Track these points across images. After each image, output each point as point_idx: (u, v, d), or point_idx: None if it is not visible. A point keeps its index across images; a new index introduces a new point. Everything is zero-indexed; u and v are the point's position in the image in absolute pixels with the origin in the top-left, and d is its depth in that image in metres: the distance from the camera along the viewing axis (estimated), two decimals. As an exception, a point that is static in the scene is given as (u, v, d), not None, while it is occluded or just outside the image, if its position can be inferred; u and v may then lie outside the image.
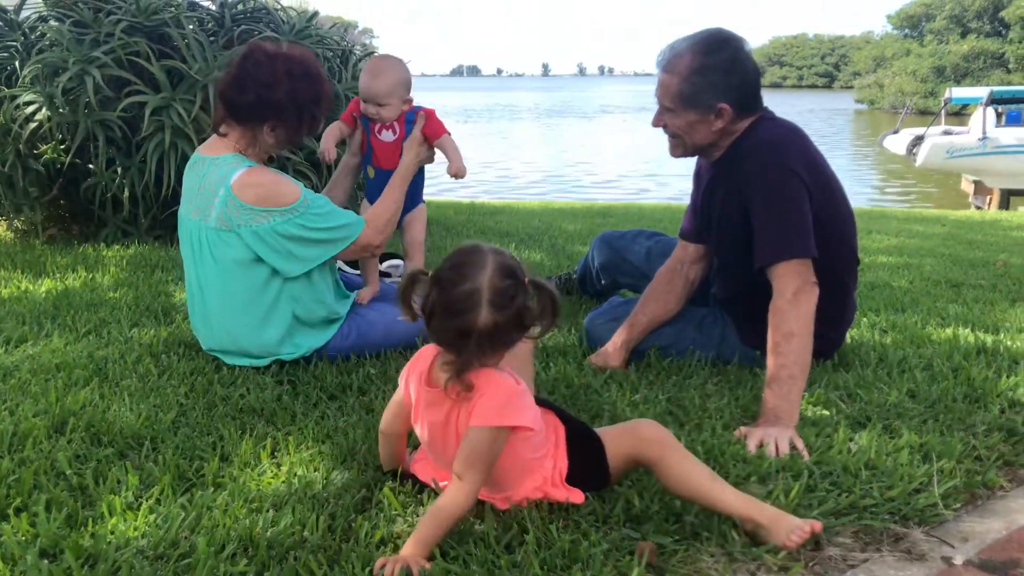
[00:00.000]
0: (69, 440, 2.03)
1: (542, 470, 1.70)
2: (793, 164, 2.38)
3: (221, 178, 2.50)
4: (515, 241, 5.38)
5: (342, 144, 2.89)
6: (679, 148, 2.55)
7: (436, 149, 2.83)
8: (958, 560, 1.63)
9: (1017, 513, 1.83)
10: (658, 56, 2.54)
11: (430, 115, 2.82)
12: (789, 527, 1.60)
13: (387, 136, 2.80)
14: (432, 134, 2.80)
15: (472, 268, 1.54)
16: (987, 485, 1.94)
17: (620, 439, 1.73)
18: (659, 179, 18.43)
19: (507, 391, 1.57)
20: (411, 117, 2.79)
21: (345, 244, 2.61)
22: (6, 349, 2.78)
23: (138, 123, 4.62)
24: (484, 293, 1.52)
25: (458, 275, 1.53)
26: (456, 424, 1.61)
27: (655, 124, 2.55)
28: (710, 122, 2.44)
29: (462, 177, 2.78)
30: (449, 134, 2.83)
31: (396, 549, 1.56)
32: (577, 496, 1.71)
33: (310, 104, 2.57)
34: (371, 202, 2.84)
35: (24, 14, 5.26)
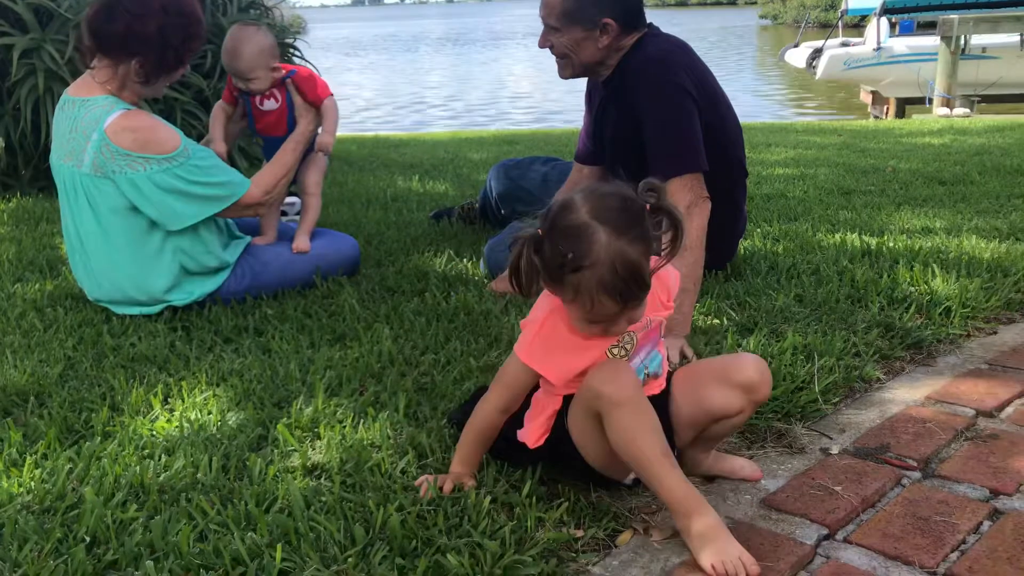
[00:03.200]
0: (-52, 402, 1.96)
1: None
2: (681, 79, 2.39)
3: (94, 121, 2.39)
4: (419, 173, 5.33)
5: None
6: (567, 69, 2.54)
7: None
8: (835, 450, 1.72)
9: (891, 404, 1.93)
10: None
11: (307, 79, 2.75)
12: (722, 553, 1.31)
13: (270, 105, 2.76)
14: (316, 99, 2.76)
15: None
16: (864, 379, 2.04)
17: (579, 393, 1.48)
18: (560, 103, 18.35)
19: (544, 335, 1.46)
20: (289, 79, 2.72)
21: (228, 203, 2.52)
22: None
23: (7, 67, 4.37)
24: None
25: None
26: None
27: (541, 45, 2.53)
28: (595, 38, 2.43)
29: (327, 152, 2.81)
30: (332, 96, 2.81)
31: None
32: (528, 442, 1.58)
33: (179, 42, 2.46)
34: None
35: None
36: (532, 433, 1.55)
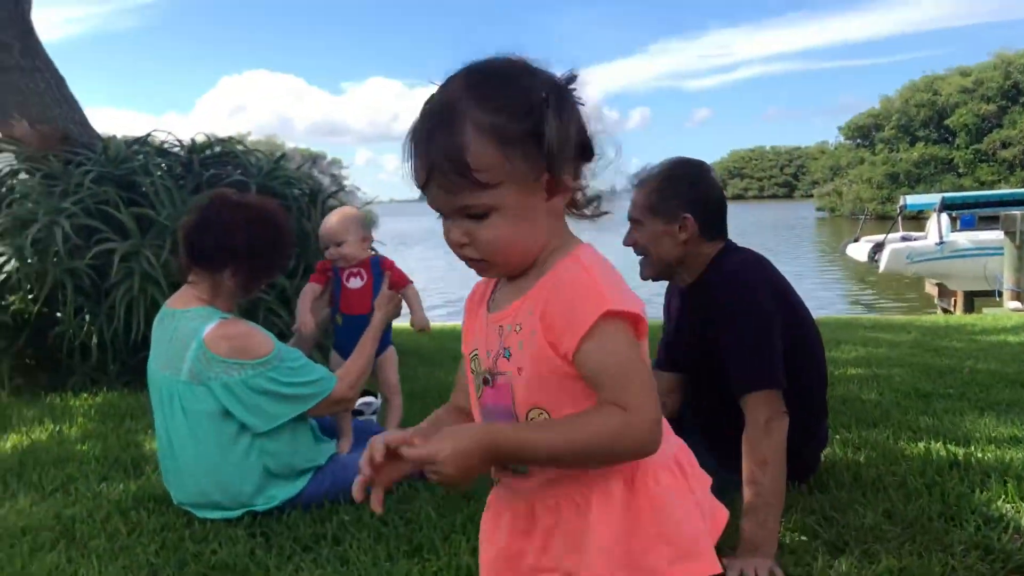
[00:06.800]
0: (33, 611, 1.97)
1: None
2: (760, 295, 2.45)
3: (193, 331, 2.52)
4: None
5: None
6: (648, 268, 2.62)
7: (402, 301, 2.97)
8: None
9: (1001, 638, 1.81)
10: (632, 176, 2.65)
11: (392, 266, 2.95)
12: None
13: (355, 283, 2.90)
14: (397, 284, 2.93)
15: None
16: (969, 609, 1.93)
17: None
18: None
19: None
20: (377, 266, 2.90)
21: (316, 400, 2.61)
22: (-30, 513, 2.71)
23: (107, 270, 4.66)
24: None
25: None
26: None
27: (625, 243, 2.63)
28: (674, 233, 2.51)
29: (426, 330, 2.95)
30: (412, 283, 2.98)
31: None
32: None
33: (268, 252, 2.63)
34: (339, 351, 2.89)
35: (-5, 168, 5.37)
36: None
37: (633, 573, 1.18)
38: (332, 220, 2.92)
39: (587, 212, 1.25)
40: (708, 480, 1.34)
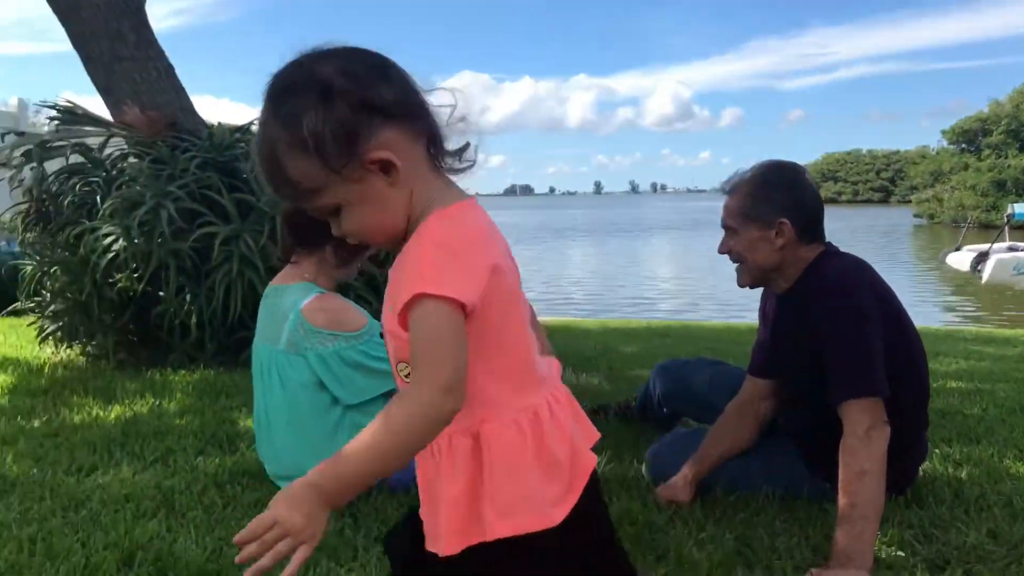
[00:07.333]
0: (137, 574, 2.05)
1: None
2: (863, 301, 2.37)
3: (292, 303, 2.61)
4: (571, 364, 5.38)
5: None
6: (745, 275, 2.56)
7: None
8: None
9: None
10: (723, 183, 2.61)
11: None
12: None
13: None
14: None
15: None
16: (1081, 638, 1.83)
17: None
18: (713, 297, 18.35)
19: None
20: None
21: None
22: (78, 478, 2.84)
23: (208, 252, 4.82)
24: None
25: None
26: None
27: (720, 251, 2.59)
28: (771, 239, 2.45)
29: None
30: None
31: None
32: None
33: None
34: None
35: (107, 151, 5.61)
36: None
37: (472, 525, 1.22)
38: None
39: (457, 166, 1.27)
40: (568, 432, 1.32)
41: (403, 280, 1.16)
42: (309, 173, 1.17)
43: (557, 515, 1.25)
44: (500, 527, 1.21)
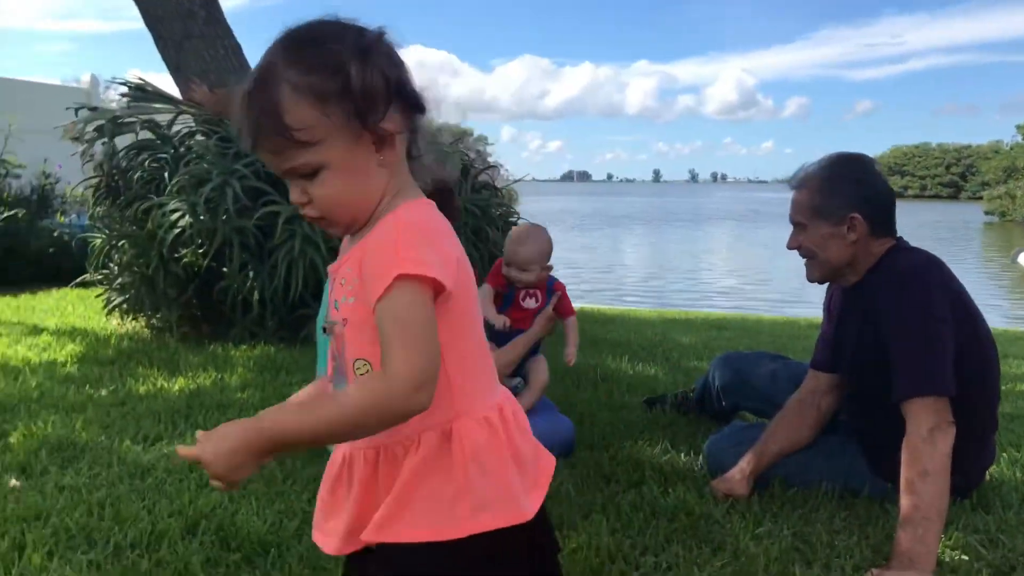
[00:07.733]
0: (201, 543, 2.11)
1: None
2: (933, 298, 2.31)
3: None
4: (628, 353, 5.35)
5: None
6: (815, 270, 2.52)
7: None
8: None
9: None
10: (791, 178, 2.56)
11: (564, 294, 3.07)
12: None
13: (530, 303, 3.04)
14: (564, 312, 3.07)
15: None
16: None
17: None
18: (772, 290, 18.07)
19: None
20: (551, 288, 3.04)
21: None
22: (144, 447, 2.92)
23: (271, 231, 4.90)
24: None
25: None
26: None
27: (790, 246, 2.55)
28: (843, 235, 2.41)
29: (572, 363, 3.06)
30: (575, 315, 3.12)
31: None
32: None
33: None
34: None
35: (175, 128, 5.72)
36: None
37: (442, 521, 1.19)
38: (527, 247, 2.93)
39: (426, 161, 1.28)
40: (528, 429, 1.31)
41: (375, 267, 1.14)
42: (311, 122, 1.15)
43: (528, 511, 1.23)
44: (473, 523, 1.19)
